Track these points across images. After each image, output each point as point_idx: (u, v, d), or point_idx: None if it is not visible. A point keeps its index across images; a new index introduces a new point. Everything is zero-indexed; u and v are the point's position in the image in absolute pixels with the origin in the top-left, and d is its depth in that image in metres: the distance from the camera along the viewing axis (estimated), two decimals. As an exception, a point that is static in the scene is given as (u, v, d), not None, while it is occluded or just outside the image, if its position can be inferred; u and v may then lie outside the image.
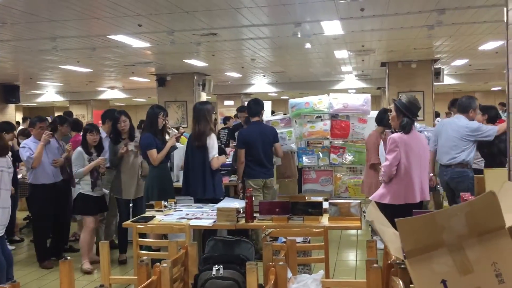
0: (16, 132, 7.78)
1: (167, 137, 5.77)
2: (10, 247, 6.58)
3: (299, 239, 3.87)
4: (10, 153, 4.94)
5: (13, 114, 16.05)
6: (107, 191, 6.04)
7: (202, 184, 5.18)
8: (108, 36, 8.49)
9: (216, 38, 8.91)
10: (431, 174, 5.56)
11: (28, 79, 15.64)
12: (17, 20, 7.08)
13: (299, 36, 7.78)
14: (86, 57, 10.58)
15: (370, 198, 4.57)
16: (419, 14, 7.27)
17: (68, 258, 2.51)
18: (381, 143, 5.75)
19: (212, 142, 5.13)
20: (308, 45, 8.74)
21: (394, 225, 2.09)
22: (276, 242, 3.85)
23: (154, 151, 5.34)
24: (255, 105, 5.86)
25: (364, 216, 5.32)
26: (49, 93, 21.04)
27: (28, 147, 5.80)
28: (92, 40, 8.87)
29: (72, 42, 8.92)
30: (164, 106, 14.50)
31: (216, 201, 5.01)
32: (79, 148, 5.59)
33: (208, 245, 3.26)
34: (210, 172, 5.16)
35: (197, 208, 4.77)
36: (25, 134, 8.61)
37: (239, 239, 3.26)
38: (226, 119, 12.93)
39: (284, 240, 3.71)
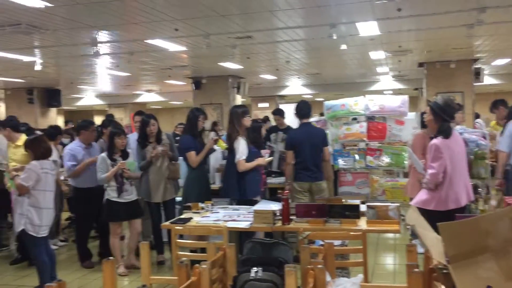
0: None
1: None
2: (54, 247, 6.81)
3: (336, 242, 3.84)
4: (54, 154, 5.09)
5: (55, 118, 16.56)
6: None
7: (232, 185, 5.26)
8: (146, 41, 8.67)
9: (251, 40, 8.96)
10: (500, 179, 5.39)
11: (69, 84, 16.12)
12: (59, 26, 7.32)
13: (335, 37, 7.73)
14: (124, 61, 10.83)
15: (411, 203, 4.48)
16: (459, 13, 7.10)
17: (111, 258, 2.56)
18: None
19: (237, 145, 5.15)
20: (343, 47, 8.67)
21: (435, 229, 2.06)
22: (313, 245, 3.83)
23: (193, 153, 5.42)
24: (305, 106, 5.82)
25: (403, 219, 5.23)
26: (88, 97, 21.61)
27: (72, 153, 5.83)
28: (130, 45, 9.08)
29: (112, 47, 9.15)
30: (200, 109, 14.71)
31: (249, 202, 5.04)
32: (103, 154, 5.51)
33: (246, 247, 3.28)
34: (239, 174, 5.18)
35: (233, 210, 4.79)
36: (68, 133, 8.95)
37: (277, 241, 3.26)
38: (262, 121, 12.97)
39: (321, 243, 3.69)
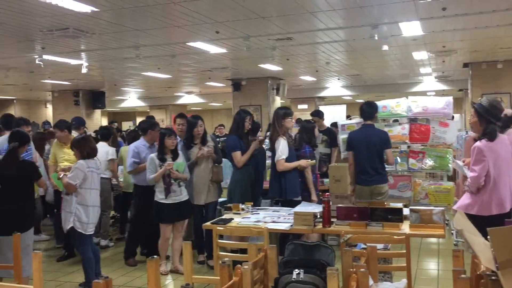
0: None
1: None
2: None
3: (378, 246, 3.78)
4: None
5: (99, 119, 17.05)
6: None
7: (272, 185, 5.32)
8: (187, 43, 8.81)
9: (291, 42, 8.96)
10: None
11: (112, 86, 16.57)
12: (105, 30, 7.54)
13: (376, 38, 7.63)
14: (166, 63, 11.03)
15: (454, 207, 4.36)
16: (507, 12, 6.87)
17: (155, 256, 2.62)
18: None
19: (278, 145, 5.18)
20: (385, 47, 8.54)
21: (483, 234, 2.00)
22: (355, 248, 3.79)
23: (238, 153, 5.49)
24: (368, 107, 5.72)
25: (447, 224, 5.10)
26: (131, 99, 22.13)
27: (137, 151, 5.87)
28: (172, 48, 9.25)
29: (154, 50, 9.34)
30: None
31: (291, 202, 5.04)
32: (152, 154, 5.49)
33: (288, 249, 3.28)
34: (279, 173, 5.19)
35: (273, 211, 4.80)
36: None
37: (318, 243, 3.25)
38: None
39: (363, 246, 3.65)
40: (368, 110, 5.71)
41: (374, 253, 3.01)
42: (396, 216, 3.94)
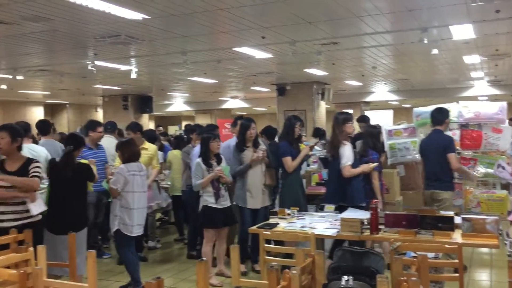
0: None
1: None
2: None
3: (428, 254, 3.69)
4: None
5: (147, 123, 17.47)
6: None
7: (335, 191, 5.21)
8: (233, 49, 8.91)
9: (337, 47, 8.90)
10: None
11: (160, 91, 16.96)
12: (154, 37, 7.75)
13: (426, 42, 7.47)
14: (212, 69, 11.20)
15: (510, 218, 4.20)
16: None
17: (204, 259, 2.66)
18: None
19: (343, 151, 5.10)
20: (435, 51, 8.34)
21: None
22: (404, 256, 3.71)
23: (289, 158, 5.50)
24: (438, 113, 5.73)
25: (500, 234, 4.91)
26: (177, 103, 22.56)
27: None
28: (218, 53, 9.38)
29: (201, 56, 9.51)
30: (284, 115, 14.83)
31: (356, 208, 4.88)
32: (198, 159, 5.45)
33: (336, 255, 3.25)
34: (344, 180, 5.09)
35: (320, 217, 4.77)
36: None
37: (367, 250, 3.20)
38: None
39: (412, 254, 3.57)
40: (437, 116, 5.72)
41: (425, 262, 2.94)
42: (447, 224, 3.83)
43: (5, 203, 3.97)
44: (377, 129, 6.12)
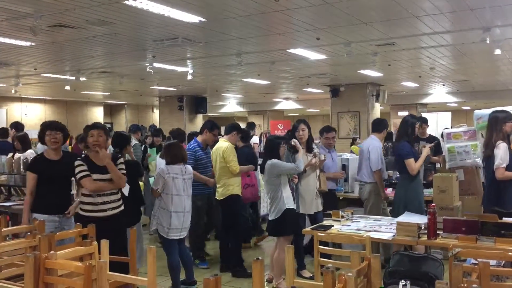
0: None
1: None
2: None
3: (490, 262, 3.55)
4: None
5: (201, 124, 17.77)
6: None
7: (489, 195, 4.97)
8: (287, 50, 8.93)
9: (393, 47, 8.73)
10: None
11: (214, 92, 17.24)
12: (210, 39, 7.90)
13: (488, 42, 7.18)
14: (266, 70, 11.26)
15: None
16: None
17: (260, 258, 2.68)
18: None
19: (497, 151, 4.77)
20: (497, 51, 8.00)
21: None
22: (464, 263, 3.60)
23: (412, 160, 5.28)
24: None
25: None
26: (230, 104, 22.84)
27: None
28: (272, 54, 9.43)
29: (255, 57, 9.59)
30: (337, 117, 14.70)
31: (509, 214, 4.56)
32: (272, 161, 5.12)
33: (393, 259, 3.20)
34: (498, 183, 4.80)
35: (374, 220, 4.71)
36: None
37: (426, 255, 3.13)
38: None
39: (472, 261, 3.45)
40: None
41: (487, 270, 2.84)
42: (511, 231, 3.68)
43: (104, 194, 4.23)
44: None
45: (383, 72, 12.27)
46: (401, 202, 5.32)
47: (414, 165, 5.25)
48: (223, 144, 5.83)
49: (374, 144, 6.10)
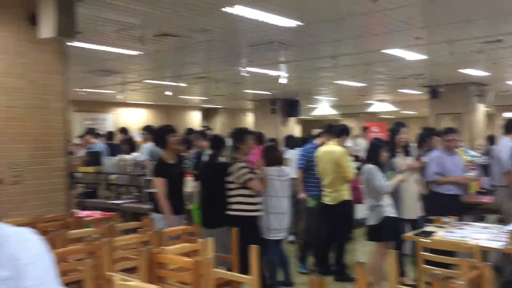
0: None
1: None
2: None
3: None
4: None
5: (293, 127, 17.88)
6: None
7: None
8: (383, 51, 8.70)
9: (500, 44, 8.18)
10: None
11: (306, 94, 17.23)
12: (305, 42, 7.93)
13: None
14: (361, 72, 11.08)
15: None
16: None
17: (362, 261, 2.66)
18: None
19: None
20: None
21: None
22: None
23: None
24: None
25: None
26: (323, 107, 22.68)
27: (437, 161, 5.51)
28: (368, 56, 9.24)
29: (350, 59, 9.47)
30: (436, 119, 14.03)
31: None
32: (372, 167, 4.91)
33: (510, 269, 3.00)
34: None
35: (482, 227, 4.44)
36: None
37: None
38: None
39: None
40: None
41: None
42: None
43: (257, 195, 4.75)
44: None
45: (488, 71, 11.53)
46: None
47: None
48: (335, 148, 5.63)
49: (505, 144, 5.61)
